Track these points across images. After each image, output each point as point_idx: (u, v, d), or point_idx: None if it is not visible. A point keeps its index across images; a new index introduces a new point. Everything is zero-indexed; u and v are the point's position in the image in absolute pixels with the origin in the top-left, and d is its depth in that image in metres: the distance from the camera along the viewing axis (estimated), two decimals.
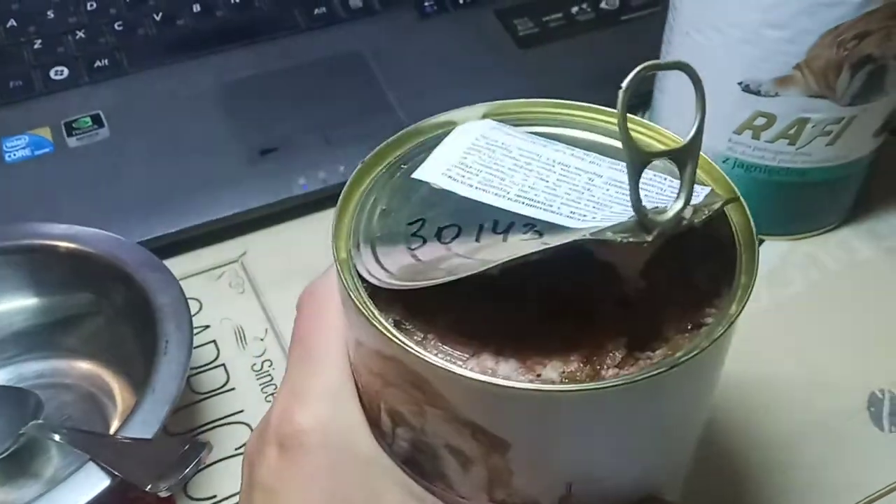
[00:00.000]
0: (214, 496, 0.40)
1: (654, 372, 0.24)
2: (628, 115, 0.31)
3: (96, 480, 0.32)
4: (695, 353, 0.24)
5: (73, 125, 0.53)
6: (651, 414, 0.26)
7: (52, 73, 0.56)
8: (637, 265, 0.26)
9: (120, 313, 0.41)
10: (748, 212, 0.28)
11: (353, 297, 0.26)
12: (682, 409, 0.27)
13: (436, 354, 0.25)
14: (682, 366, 0.24)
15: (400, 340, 0.25)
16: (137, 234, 0.48)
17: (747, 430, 0.42)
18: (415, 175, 0.30)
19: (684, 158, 0.24)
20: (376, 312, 0.26)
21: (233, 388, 0.44)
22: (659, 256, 0.26)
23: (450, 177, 0.30)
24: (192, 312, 0.46)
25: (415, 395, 0.25)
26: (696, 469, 0.34)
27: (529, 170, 0.30)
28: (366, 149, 0.31)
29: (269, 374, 0.44)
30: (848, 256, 0.50)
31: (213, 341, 0.46)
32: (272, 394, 0.43)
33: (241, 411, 0.43)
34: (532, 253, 0.24)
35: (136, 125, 0.53)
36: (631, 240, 0.23)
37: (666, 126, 0.49)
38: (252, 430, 0.42)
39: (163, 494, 0.29)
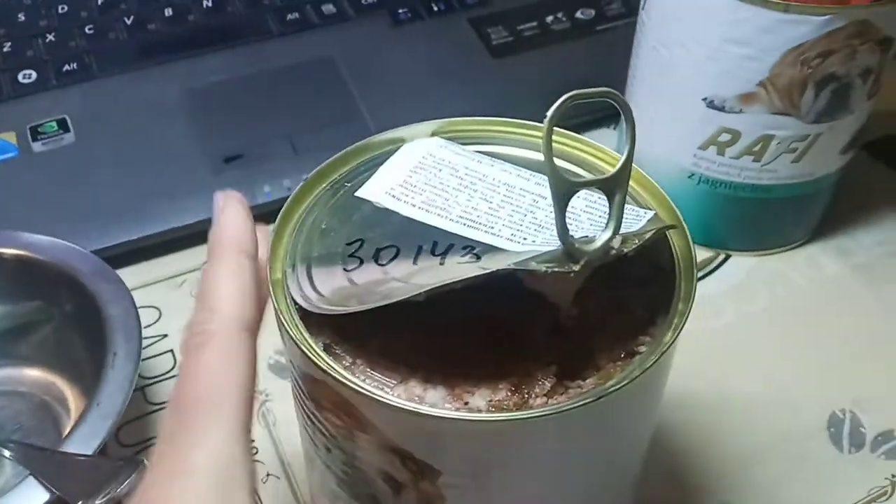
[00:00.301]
0: None
1: (583, 402, 0.23)
2: (575, 135, 0.31)
3: (35, 496, 0.32)
4: (625, 382, 0.24)
5: (39, 129, 0.53)
6: (583, 442, 0.25)
7: (20, 77, 0.56)
8: (567, 294, 0.25)
9: (70, 322, 0.41)
10: (689, 238, 0.28)
11: (283, 319, 0.26)
12: (617, 437, 0.27)
13: (363, 380, 0.25)
14: (611, 395, 0.24)
15: (327, 365, 0.24)
16: (99, 241, 0.47)
17: (703, 449, 0.42)
18: (358, 193, 0.30)
19: (612, 188, 0.24)
20: (306, 336, 0.25)
21: None
22: (593, 283, 0.25)
23: (393, 196, 0.29)
24: (151, 321, 0.47)
25: (345, 419, 0.25)
26: (647, 488, 0.33)
27: (474, 190, 0.29)
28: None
29: None
30: (815, 273, 0.50)
31: (171, 351, 0.45)
32: None
33: None
34: (462, 280, 0.24)
35: (102, 131, 0.53)
36: (556, 269, 0.23)
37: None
38: None
39: None
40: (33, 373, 0.43)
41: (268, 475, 0.40)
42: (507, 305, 0.26)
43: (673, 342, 0.25)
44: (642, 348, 0.25)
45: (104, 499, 0.29)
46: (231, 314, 0.24)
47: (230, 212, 0.27)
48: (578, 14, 0.62)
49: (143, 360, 0.45)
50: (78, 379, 0.42)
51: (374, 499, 0.27)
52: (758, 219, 0.49)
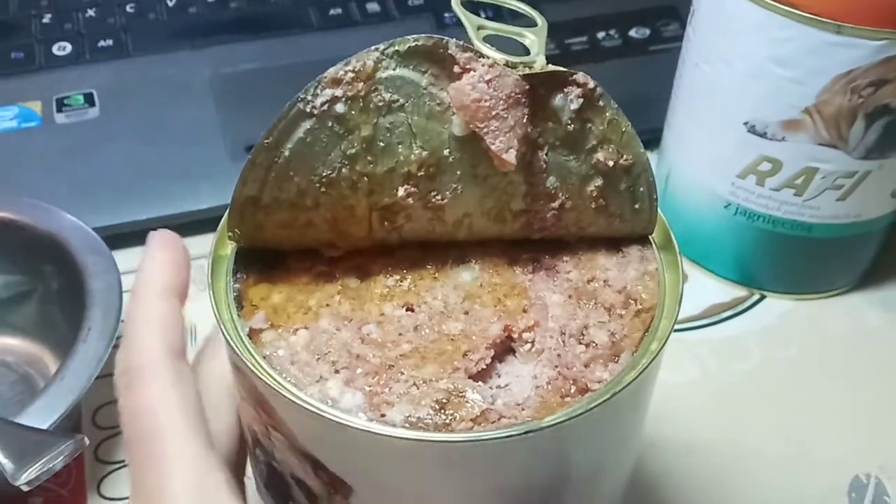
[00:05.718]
0: (128, 497, 0.37)
1: (506, 434, 0.21)
2: None
3: None
4: (561, 419, 0.21)
5: (65, 101, 0.52)
6: (508, 479, 0.22)
7: (54, 49, 0.55)
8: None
9: (56, 294, 0.39)
10: (680, 264, 0.25)
11: (213, 297, 0.24)
12: (557, 478, 0.23)
13: (279, 373, 0.22)
14: (543, 432, 0.21)
15: (243, 350, 0.22)
16: (107, 218, 0.46)
17: (707, 502, 0.38)
18: None
19: None
20: (233, 316, 0.23)
21: None
22: (553, 299, 0.23)
23: None
24: None
25: (261, 414, 0.23)
26: None
27: None
28: None
29: None
30: (854, 324, 0.46)
31: None
32: None
33: None
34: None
35: (127, 108, 0.52)
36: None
37: (673, 159, 0.45)
38: None
39: (24, 487, 0.28)
40: (21, 344, 0.42)
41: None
42: (456, 310, 0.23)
43: (632, 383, 0.22)
44: (597, 385, 0.22)
45: (34, 472, 0.28)
46: (153, 346, 0.24)
47: (159, 255, 0.26)
48: (632, 32, 0.59)
49: None
50: (63, 353, 0.41)
51: None
52: (797, 259, 0.45)
